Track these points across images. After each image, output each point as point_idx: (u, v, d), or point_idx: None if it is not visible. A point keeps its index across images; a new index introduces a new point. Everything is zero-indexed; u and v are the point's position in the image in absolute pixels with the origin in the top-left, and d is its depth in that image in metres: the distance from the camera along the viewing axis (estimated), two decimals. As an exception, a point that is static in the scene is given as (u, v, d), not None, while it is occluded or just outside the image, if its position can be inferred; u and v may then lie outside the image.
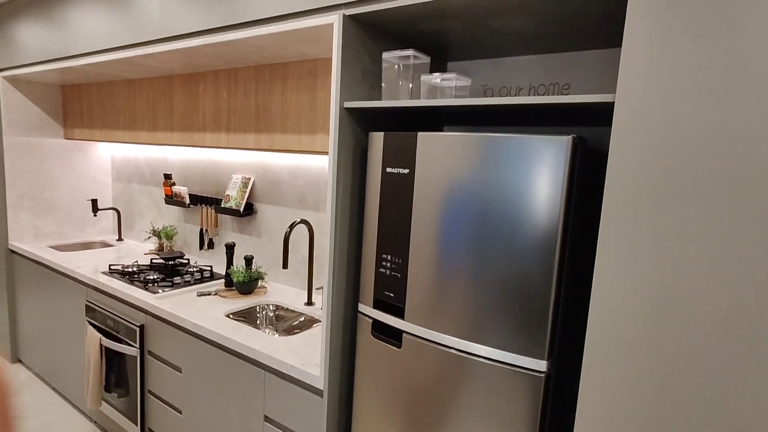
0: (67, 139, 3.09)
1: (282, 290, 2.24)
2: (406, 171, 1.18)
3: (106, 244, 3.16)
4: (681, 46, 0.81)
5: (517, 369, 1.04)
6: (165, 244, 2.84)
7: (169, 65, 2.09)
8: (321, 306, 2.03)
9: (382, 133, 1.24)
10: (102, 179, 3.30)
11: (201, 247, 2.68)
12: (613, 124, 0.88)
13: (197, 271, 2.38)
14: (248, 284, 2.13)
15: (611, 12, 1.10)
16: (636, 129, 0.86)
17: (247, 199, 2.41)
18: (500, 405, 1.06)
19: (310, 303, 2.07)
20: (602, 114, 1.13)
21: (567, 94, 1.41)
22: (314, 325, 1.93)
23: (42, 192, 3.03)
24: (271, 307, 2.09)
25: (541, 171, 0.98)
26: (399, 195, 1.20)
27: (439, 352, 1.15)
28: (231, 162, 2.52)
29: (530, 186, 0.99)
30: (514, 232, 1.01)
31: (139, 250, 2.91)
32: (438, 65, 1.67)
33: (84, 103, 2.91)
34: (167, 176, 2.76)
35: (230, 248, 2.28)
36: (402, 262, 1.21)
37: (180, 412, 1.92)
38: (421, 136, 1.15)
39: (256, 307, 2.07)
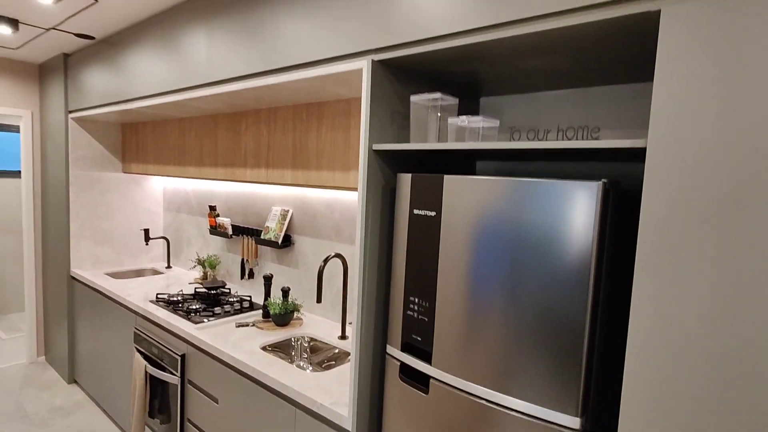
0: (124, 173, 3.32)
1: (317, 322, 2.26)
2: (433, 213, 1.17)
3: (156, 272, 3.32)
4: (712, 87, 0.77)
5: (549, 425, 0.98)
6: (209, 273, 2.95)
7: (215, 106, 2.22)
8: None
9: (410, 174, 1.24)
10: (154, 209, 3.50)
11: (242, 277, 2.76)
12: (645, 169, 0.84)
13: (237, 301, 2.45)
14: (284, 316, 2.17)
15: (644, 52, 1.07)
16: (669, 173, 0.82)
17: (286, 230, 2.47)
18: (531, 462, 1.00)
19: (343, 337, 2.07)
20: (635, 153, 1.09)
21: (596, 138, 1.37)
22: (347, 359, 1.92)
23: (101, 222, 3.25)
24: (306, 340, 2.11)
25: (571, 216, 0.94)
26: (426, 237, 1.19)
27: (466, 401, 1.11)
28: (271, 194, 2.61)
29: (560, 231, 0.96)
30: (544, 279, 0.98)
31: (186, 278, 3.04)
32: (469, 103, 1.68)
33: (140, 139, 3.13)
34: (212, 208, 2.89)
35: (268, 280, 2.33)
36: (429, 306, 1.19)
37: (216, 443, 1.95)
38: (447, 179, 1.14)
39: (291, 339, 2.10)
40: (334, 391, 1.54)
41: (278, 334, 2.08)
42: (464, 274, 1.11)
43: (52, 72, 3.23)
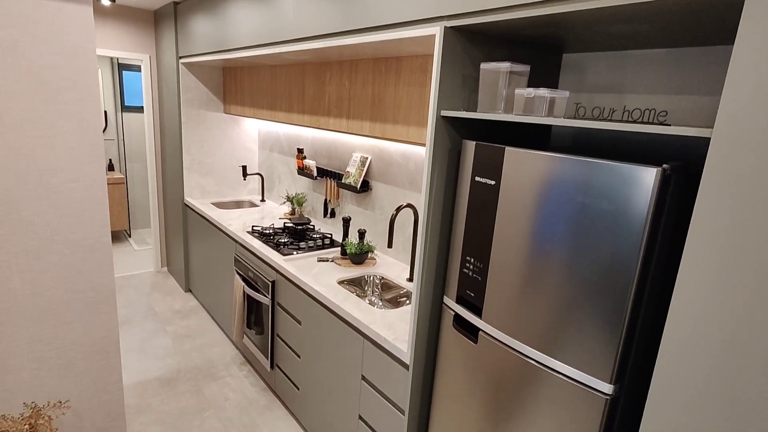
0: (225, 113, 3.66)
1: (389, 263, 2.46)
2: (493, 182, 1.24)
3: (252, 204, 3.73)
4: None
5: (584, 387, 1.08)
6: (296, 209, 3.26)
7: (302, 57, 2.35)
8: (420, 284, 2.20)
9: (474, 143, 1.30)
10: (250, 147, 3.85)
11: (325, 215, 3.03)
12: (707, 161, 0.83)
13: (320, 238, 2.72)
14: (360, 256, 2.39)
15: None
16: (735, 155, 0.80)
17: (364, 176, 2.64)
18: (563, 419, 1.12)
19: (411, 279, 2.25)
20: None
21: (663, 122, 1.28)
22: (411, 300, 2.11)
23: (206, 157, 3.67)
24: (377, 278, 2.33)
25: (628, 197, 0.96)
26: (485, 204, 1.27)
27: (509, 355, 1.23)
28: (352, 142, 2.76)
29: (615, 211, 0.98)
30: (592, 255, 1.03)
31: (277, 212, 3.40)
32: (549, 61, 1.62)
33: (238, 83, 3.40)
34: (300, 150, 3.13)
35: (347, 221, 2.55)
36: (483, 267, 1.29)
37: (299, 356, 2.31)
38: (508, 151, 1.19)
39: (364, 276, 2.33)
40: (398, 328, 1.74)
41: (353, 271, 2.32)
42: (517, 242, 1.18)
43: (164, 19, 3.55)
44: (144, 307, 3.64)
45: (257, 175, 3.91)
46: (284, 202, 3.48)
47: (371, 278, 2.34)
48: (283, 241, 2.65)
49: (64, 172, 1.29)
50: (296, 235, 2.79)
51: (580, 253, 1.05)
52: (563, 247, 1.08)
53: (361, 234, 2.47)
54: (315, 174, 3.00)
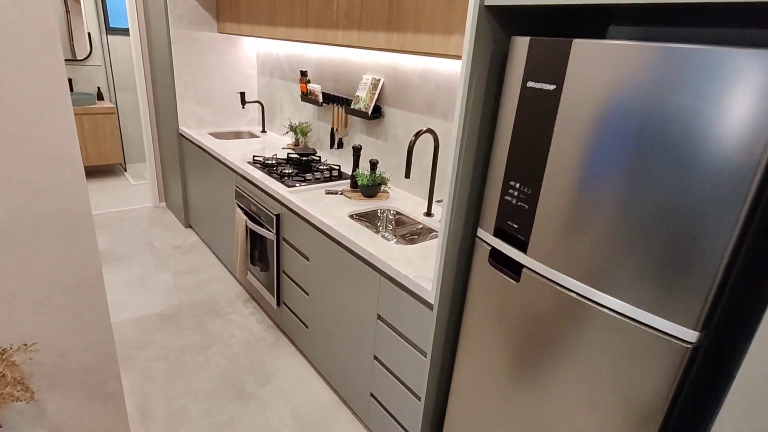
0: (220, 33, 3.30)
1: (404, 197, 2.26)
2: (552, 87, 0.99)
3: (252, 135, 3.47)
4: None
5: (658, 334, 0.90)
6: (300, 140, 3.01)
7: (306, -47, 2.00)
8: (439, 219, 2.01)
9: (528, 38, 1.04)
10: (249, 72, 3.52)
11: (332, 146, 2.79)
12: None
13: (327, 170, 2.50)
14: (372, 188, 2.18)
15: None
16: None
17: (376, 101, 2.36)
18: (626, 370, 0.96)
19: (429, 214, 2.06)
20: None
21: None
22: (430, 236, 1.93)
23: (201, 83, 3.36)
24: (391, 212, 2.14)
25: (739, 96, 0.73)
26: (539, 115, 1.03)
27: (561, 295, 1.05)
28: (363, 62, 2.46)
29: (721, 115, 0.76)
30: (688, 170, 0.81)
31: (279, 143, 3.14)
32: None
33: (232, -5, 3.02)
34: (303, 73, 2.82)
35: (357, 151, 2.32)
36: (532, 193, 1.08)
37: (307, 294, 2.17)
38: (577, 44, 0.93)
39: (377, 210, 2.13)
40: (419, 265, 1.57)
41: (365, 205, 2.12)
42: (581, 161, 0.96)
43: None
44: (143, 242, 3.49)
45: (257, 104, 3.61)
46: (287, 132, 3.21)
47: (385, 212, 2.14)
48: (287, 172, 2.43)
49: (9, 62, 1.01)
50: (301, 167, 2.56)
51: (669, 166, 0.83)
52: (646, 160, 0.86)
53: (373, 164, 2.25)
54: (320, 100, 2.72)
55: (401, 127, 2.27)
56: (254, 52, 3.49)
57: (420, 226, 2.03)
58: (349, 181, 2.42)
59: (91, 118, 4.53)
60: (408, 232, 2.07)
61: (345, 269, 1.85)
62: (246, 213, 2.58)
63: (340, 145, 2.73)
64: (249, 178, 2.45)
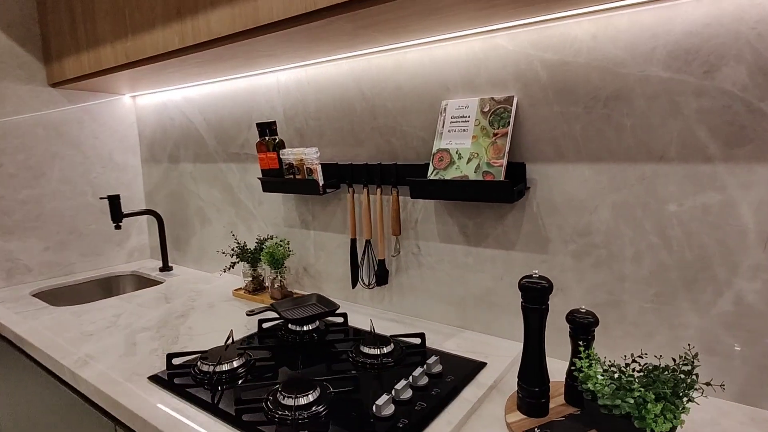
0: (52, 86, 1.60)
1: None
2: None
3: (143, 281, 1.68)
4: None
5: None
6: (272, 279, 1.32)
7: None
8: None
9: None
10: (124, 160, 1.81)
11: (354, 282, 1.17)
12: None
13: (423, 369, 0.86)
14: None
15: None
16: None
17: (508, 152, 0.88)
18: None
19: None
20: None
21: None
22: None
23: (14, 192, 1.55)
24: None
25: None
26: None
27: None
28: (441, 67, 0.99)
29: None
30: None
31: (216, 294, 1.42)
32: None
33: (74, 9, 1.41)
34: (266, 130, 1.24)
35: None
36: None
37: None
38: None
39: None
40: None
41: None
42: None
43: None
44: None
45: (146, 215, 1.86)
46: (230, 267, 1.47)
47: None
48: (302, 403, 0.73)
49: None
50: (319, 353, 0.88)
51: None
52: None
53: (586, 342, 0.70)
54: (321, 181, 1.15)
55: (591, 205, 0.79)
56: (132, 112, 1.82)
57: None
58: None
59: None
60: None
61: None
62: None
63: (384, 279, 1.13)
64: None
